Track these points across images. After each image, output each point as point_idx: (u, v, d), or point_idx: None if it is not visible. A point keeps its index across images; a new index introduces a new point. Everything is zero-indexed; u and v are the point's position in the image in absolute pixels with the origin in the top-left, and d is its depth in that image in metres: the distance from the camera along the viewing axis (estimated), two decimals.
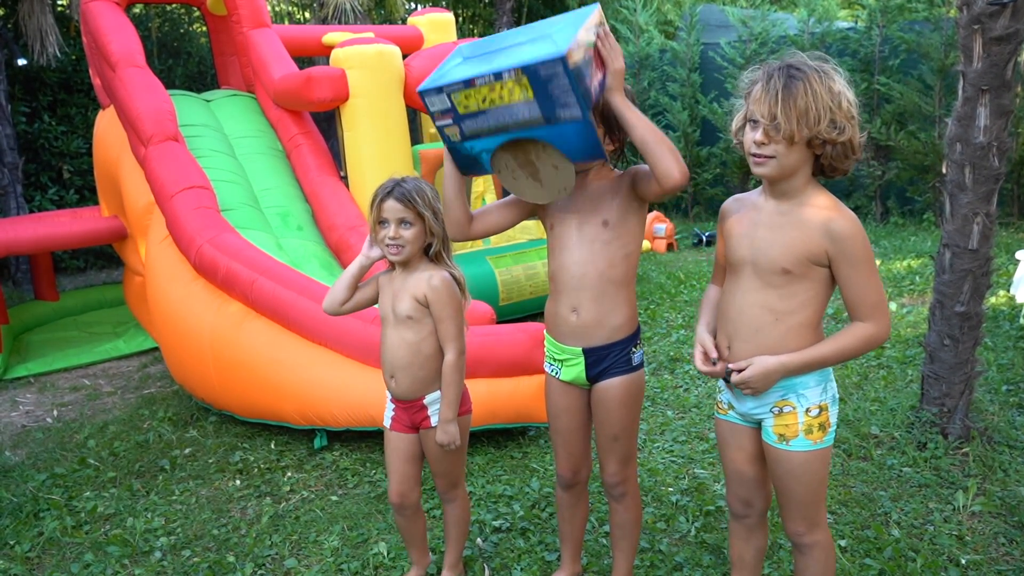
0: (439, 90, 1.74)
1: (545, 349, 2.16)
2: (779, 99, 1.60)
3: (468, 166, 1.89)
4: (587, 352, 2.03)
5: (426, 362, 2.14)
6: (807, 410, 1.76)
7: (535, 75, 1.62)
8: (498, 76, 1.66)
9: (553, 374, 2.13)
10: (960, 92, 2.94)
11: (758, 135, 1.66)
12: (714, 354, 1.82)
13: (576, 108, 1.65)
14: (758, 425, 1.85)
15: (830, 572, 1.87)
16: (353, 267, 2.17)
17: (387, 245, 2.08)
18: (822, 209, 1.69)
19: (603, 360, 2.03)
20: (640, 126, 1.80)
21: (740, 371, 1.73)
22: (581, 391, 2.12)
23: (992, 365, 3.88)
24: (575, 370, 2.06)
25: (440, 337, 2.13)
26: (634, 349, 2.06)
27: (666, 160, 1.78)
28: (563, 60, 1.58)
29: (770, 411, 1.78)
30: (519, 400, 3.32)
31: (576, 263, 1.99)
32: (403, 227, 2.08)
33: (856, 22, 8.54)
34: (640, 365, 2.08)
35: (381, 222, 2.08)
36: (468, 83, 1.69)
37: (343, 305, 2.19)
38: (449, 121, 1.78)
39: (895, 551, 2.42)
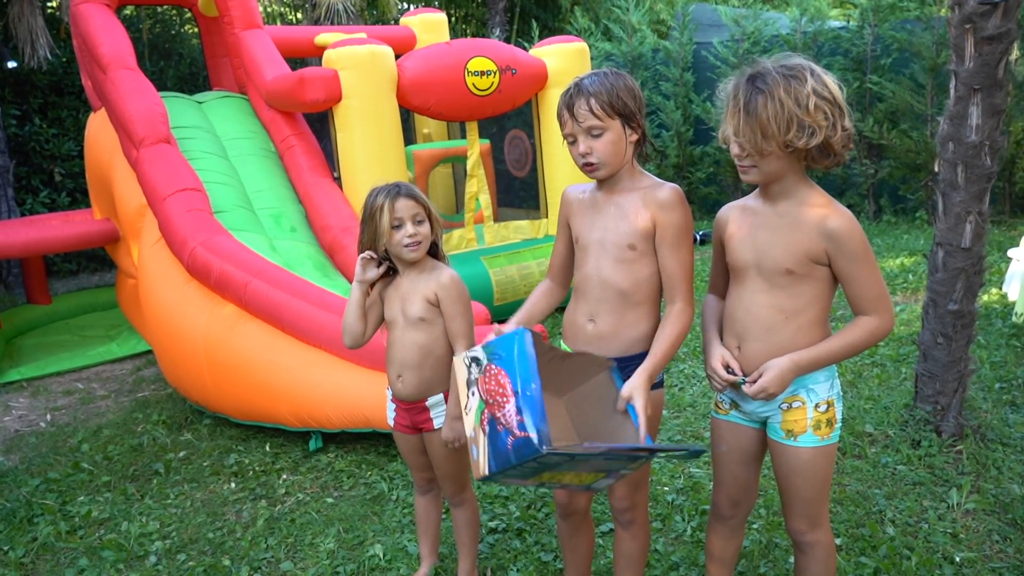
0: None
1: None
2: (740, 115, 1.63)
3: None
4: None
5: (436, 364, 2.14)
6: (816, 405, 1.76)
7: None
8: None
9: None
10: (952, 91, 2.95)
11: (735, 148, 1.70)
12: (735, 365, 1.77)
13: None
14: (762, 424, 1.85)
15: (831, 572, 1.87)
16: (355, 295, 2.13)
17: (406, 245, 2.06)
18: (817, 208, 1.70)
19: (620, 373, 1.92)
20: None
21: (753, 382, 1.71)
22: None
23: (985, 363, 3.89)
24: None
25: (450, 334, 2.12)
26: None
27: None
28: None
29: (779, 408, 1.78)
30: None
31: (601, 275, 1.89)
32: (419, 224, 2.07)
33: (848, 21, 8.55)
34: (660, 384, 1.91)
35: (396, 226, 2.04)
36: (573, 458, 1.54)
37: (364, 336, 2.17)
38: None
39: (890, 549, 2.43)
